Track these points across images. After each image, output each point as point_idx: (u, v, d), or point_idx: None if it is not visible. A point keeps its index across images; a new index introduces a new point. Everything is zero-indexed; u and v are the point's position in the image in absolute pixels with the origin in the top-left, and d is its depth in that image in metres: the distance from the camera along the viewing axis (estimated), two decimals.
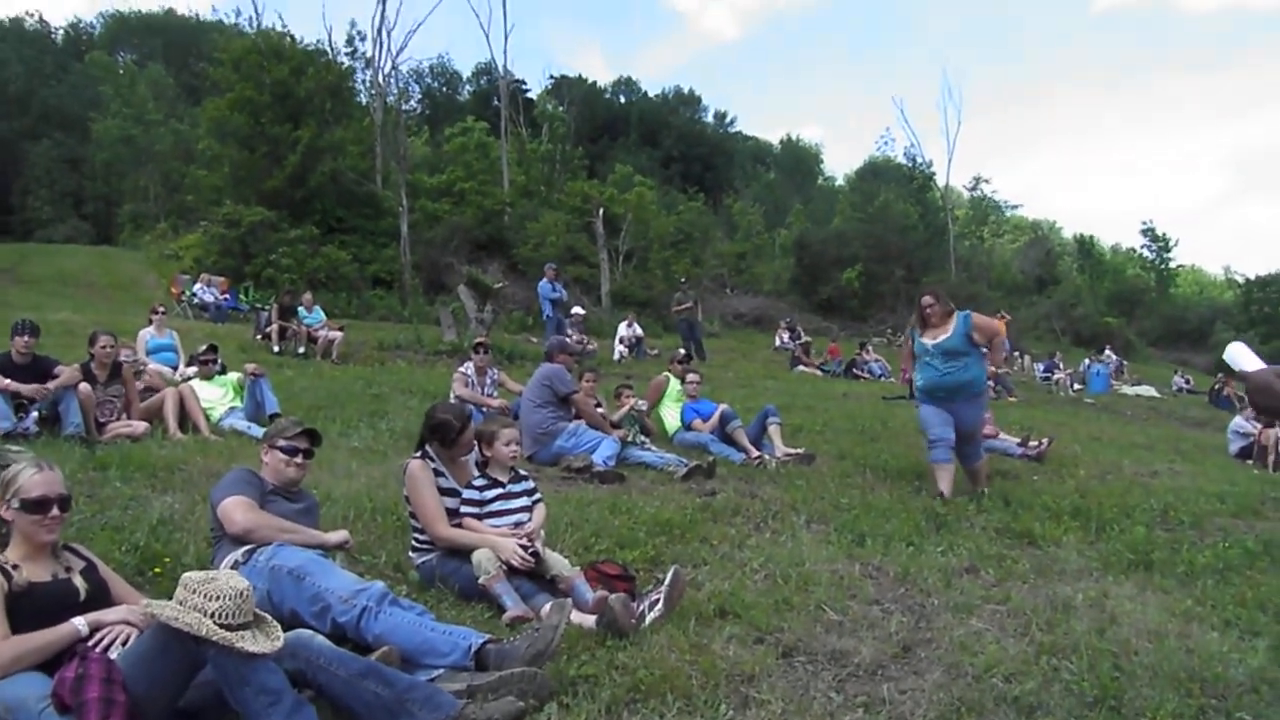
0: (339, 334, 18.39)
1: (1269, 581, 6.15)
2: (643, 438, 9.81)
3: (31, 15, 65.69)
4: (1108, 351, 32.95)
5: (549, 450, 8.79)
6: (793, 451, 9.70)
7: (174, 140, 42.78)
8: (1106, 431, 15.53)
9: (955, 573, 6.01)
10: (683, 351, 12.72)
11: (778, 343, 28.86)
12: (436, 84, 72.59)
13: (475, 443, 5.30)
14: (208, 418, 9.69)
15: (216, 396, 10.07)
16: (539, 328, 24.34)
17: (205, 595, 3.12)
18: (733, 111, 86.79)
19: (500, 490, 5.18)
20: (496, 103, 50.50)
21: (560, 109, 61.16)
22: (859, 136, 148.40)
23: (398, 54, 37.70)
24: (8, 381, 8.34)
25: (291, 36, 36.02)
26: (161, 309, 13.56)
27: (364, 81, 37.60)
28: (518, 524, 5.13)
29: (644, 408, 9.87)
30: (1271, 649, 4.84)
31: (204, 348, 10.93)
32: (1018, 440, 11.62)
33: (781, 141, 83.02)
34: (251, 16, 44.48)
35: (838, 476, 9.08)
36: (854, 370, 23.83)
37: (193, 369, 11.44)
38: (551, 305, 20.14)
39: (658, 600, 4.65)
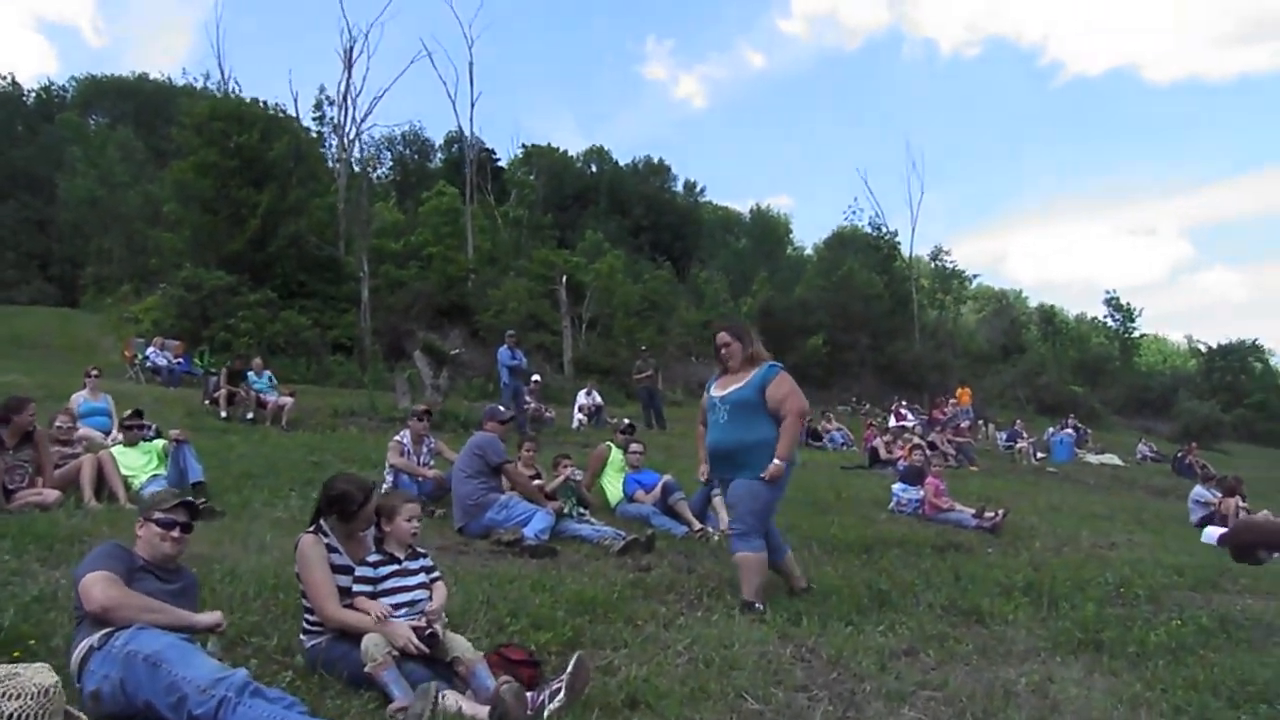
0: (289, 399, 18.01)
1: (1222, 662, 5.86)
2: (581, 510, 9.46)
3: (3, 78, 65.49)
4: (1071, 420, 32.84)
5: (479, 522, 8.39)
6: None
7: (141, 202, 42.40)
8: (1067, 501, 15.28)
9: (893, 655, 5.67)
10: (626, 421, 12.39)
11: None
12: (409, 151, 72.74)
13: (375, 517, 4.93)
14: (129, 486, 9.28)
15: (140, 464, 9.65)
16: (498, 395, 23.96)
17: (3, 694, 2.75)
18: (702, 181, 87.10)
19: (395, 567, 4.80)
20: (467, 170, 50.70)
21: (530, 177, 61.40)
22: (829, 206, 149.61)
23: (363, 120, 37.67)
24: None
25: (259, 101, 35.98)
26: (95, 372, 13.16)
27: (330, 146, 37.37)
28: (414, 603, 4.75)
29: (579, 478, 9.52)
30: None
31: (129, 413, 10.53)
32: (973, 511, 11.33)
33: (751, 211, 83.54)
34: (219, 81, 44.24)
35: None
36: (813, 440, 23.51)
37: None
38: (509, 372, 19.74)
39: (559, 689, 4.28)
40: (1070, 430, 29.93)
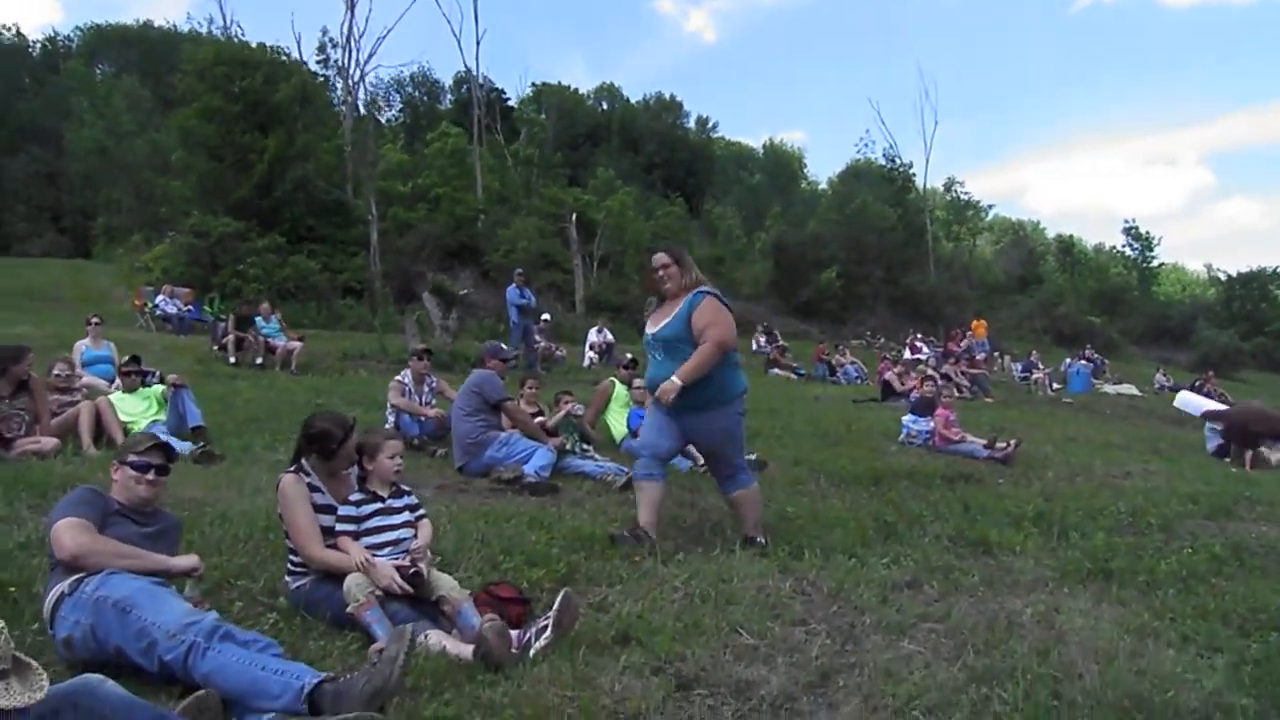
0: (298, 344, 17.94)
1: (1234, 590, 5.72)
2: (584, 445, 9.34)
3: (8, 29, 65.21)
4: (1089, 350, 32.53)
5: (479, 461, 8.29)
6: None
7: (148, 151, 42.18)
8: (1083, 431, 15.09)
9: (895, 587, 5.54)
10: (629, 356, 12.21)
11: (754, 346, 28.40)
12: (418, 93, 72.20)
13: (357, 455, 4.81)
14: (128, 432, 9.18)
15: (139, 410, 9.56)
16: (508, 335, 23.84)
17: None
18: (715, 116, 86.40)
19: (379, 505, 4.69)
20: (476, 111, 50.24)
21: (540, 115, 60.79)
22: (844, 139, 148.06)
23: (367, 61, 37.18)
24: None
25: (263, 45, 35.56)
26: (97, 319, 13.04)
27: (335, 89, 37.05)
28: (398, 541, 4.64)
29: (580, 413, 9.38)
30: (1231, 667, 4.39)
31: (127, 359, 10.44)
32: (985, 442, 11.16)
33: (764, 146, 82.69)
34: (222, 26, 43.75)
35: (789, 484, 8.64)
36: (828, 374, 23.35)
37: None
38: (518, 311, 19.58)
39: (546, 627, 4.17)
40: (1087, 361, 29.64)
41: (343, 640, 4.28)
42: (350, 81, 36.68)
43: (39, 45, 67.44)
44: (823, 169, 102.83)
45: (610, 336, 24.28)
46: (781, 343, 26.80)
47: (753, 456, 9.29)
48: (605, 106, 78.49)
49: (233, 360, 17.14)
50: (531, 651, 4.11)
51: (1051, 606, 5.28)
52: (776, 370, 23.76)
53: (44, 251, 47.77)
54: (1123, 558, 6.40)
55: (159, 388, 9.80)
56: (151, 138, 43.53)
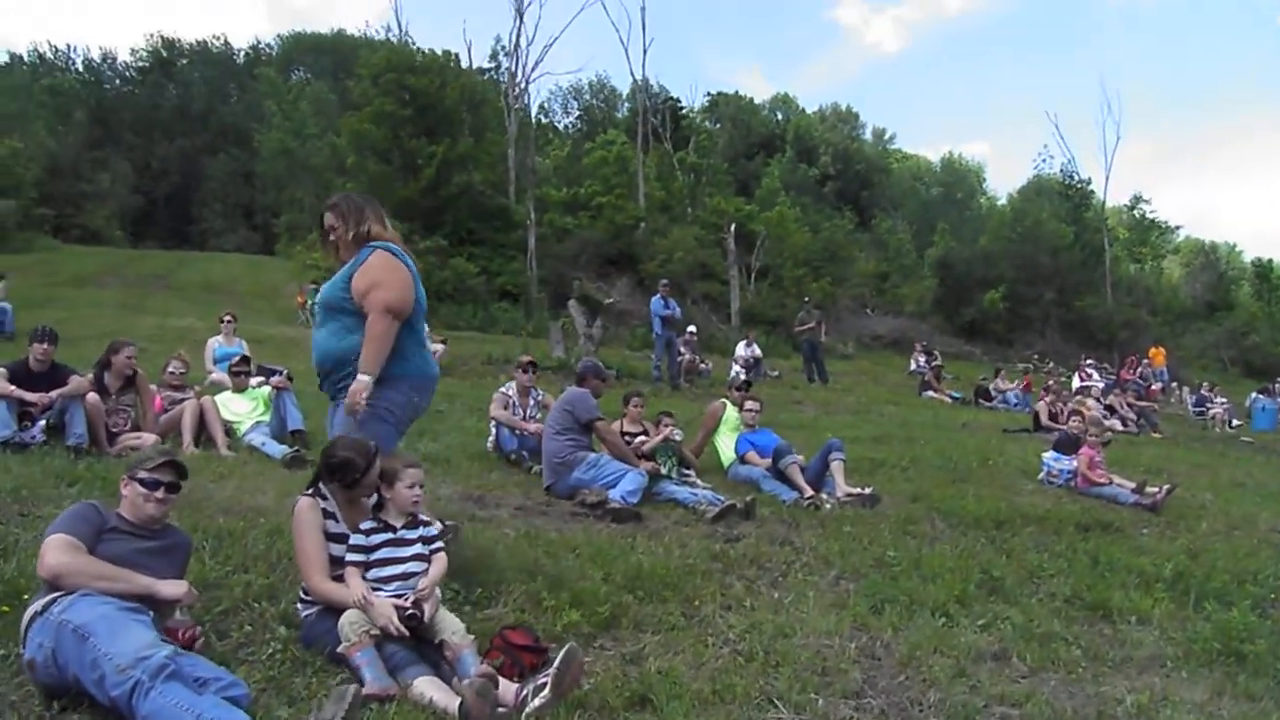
0: (440, 346, 18.05)
1: None
2: (684, 471, 8.89)
3: (216, 39, 69.42)
4: (1279, 385, 30.11)
5: (566, 482, 7.93)
6: (854, 491, 8.59)
7: (329, 153, 43.81)
8: (1255, 476, 13.71)
9: (980, 657, 4.92)
10: (742, 377, 11.68)
11: (912, 366, 27.38)
12: (595, 100, 73.32)
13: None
14: (233, 432, 9.24)
15: (245, 410, 9.60)
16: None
17: None
18: (892, 128, 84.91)
19: (389, 536, 4.36)
20: (654, 119, 50.43)
21: (714, 125, 60.69)
22: (1026, 154, 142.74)
23: (533, 68, 37.61)
24: (11, 388, 7.98)
25: (434, 51, 36.48)
26: (229, 317, 13.30)
27: (505, 96, 37.45)
28: (408, 576, 4.32)
29: (679, 438, 8.91)
30: None
31: (237, 359, 10.51)
32: (1133, 486, 10.18)
33: (942, 159, 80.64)
34: (397, 33, 45.08)
35: (899, 523, 7.96)
36: (982, 399, 22.18)
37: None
38: (661, 323, 19.28)
39: (544, 685, 3.77)
40: (1275, 396, 27.41)
41: (335, 679, 3.99)
42: (517, 88, 37.11)
43: (243, 53, 71.28)
44: (1003, 185, 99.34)
45: (758, 351, 23.77)
46: (939, 363, 25.66)
47: (868, 490, 8.71)
48: (780, 116, 78.05)
49: None
50: (525, 711, 3.72)
51: (1160, 695, 4.58)
52: (931, 393, 22.74)
53: (236, 247, 50.58)
54: (1264, 638, 5.58)
55: (267, 389, 9.82)
56: (332, 140, 45.23)
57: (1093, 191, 46.42)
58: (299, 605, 4.48)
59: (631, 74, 55.41)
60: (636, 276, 33.03)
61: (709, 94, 70.99)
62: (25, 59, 63.93)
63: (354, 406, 4.62)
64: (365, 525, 4.40)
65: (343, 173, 37.59)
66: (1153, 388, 26.65)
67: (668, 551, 6.40)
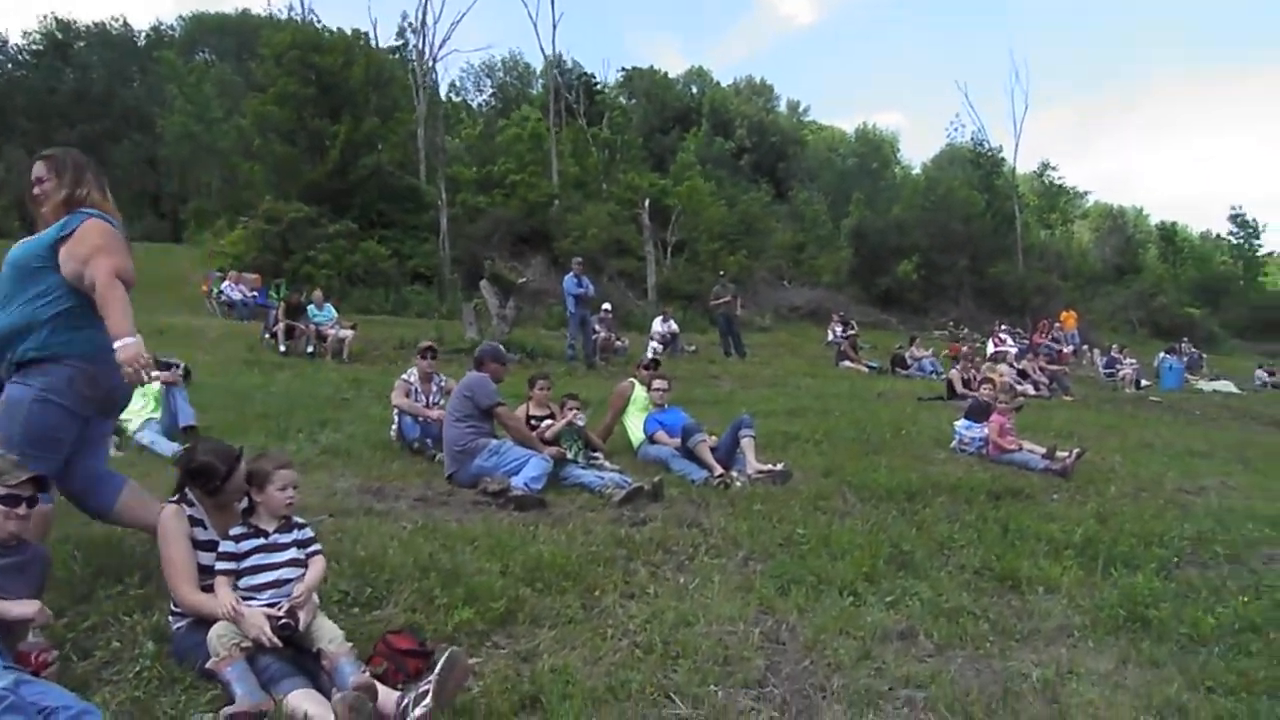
0: (350, 332, 17.69)
1: None
2: (593, 454, 8.68)
3: (115, 20, 66.99)
4: (1186, 344, 30.79)
5: (468, 470, 7.66)
6: (765, 468, 8.45)
7: (236, 137, 42.66)
8: (1163, 437, 13.90)
9: (886, 637, 4.81)
10: (650, 356, 11.49)
11: (829, 336, 27.44)
12: (509, 78, 72.42)
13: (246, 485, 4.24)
14: (121, 431, 8.81)
15: (136, 407, 9.11)
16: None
17: None
18: (807, 100, 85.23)
19: (261, 541, 4.10)
20: (569, 95, 49.87)
21: (628, 101, 60.31)
22: (940, 124, 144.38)
23: (440, 45, 36.91)
24: None
25: (340, 30, 35.68)
26: None
27: (412, 74, 36.69)
28: (281, 583, 4.05)
29: (582, 422, 8.68)
30: None
31: None
32: (1044, 451, 10.21)
33: (856, 130, 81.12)
34: (300, 12, 43.94)
35: (811, 499, 7.84)
36: (899, 367, 22.30)
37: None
38: (575, 301, 19.00)
39: (426, 692, 3.54)
40: (1181, 356, 28.00)
41: (206, 696, 3.73)
42: (425, 66, 36.39)
43: (144, 35, 69.03)
44: (917, 155, 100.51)
45: (675, 327, 23.63)
46: (853, 333, 25.75)
47: (779, 466, 8.58)
48: (695, 90, 77.88)
49: (283, 349, 16.89)
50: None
51: (1066, 668, 4.51)
52: (848, 363, 22.82)
53: (144, 235, 48.88)
54: (1168, 602, 5.55)
55: (156, 386, 9.37)
56: (238, 123, 44.07)
57: (1003, 159, 47.06)
58: (170, 618, 4.19)
59: (542, 50, 54.87)
60: (551, 255, 32.62)
61: (623, 69, 70.59)
62: None
63: (135, 375, 4.17)
64: (235, 531, 4.13)
65: (250, 156, 36.65)
66: (1064, 351, 27.03)
67: (571, 539, 6.19)
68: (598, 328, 20.45)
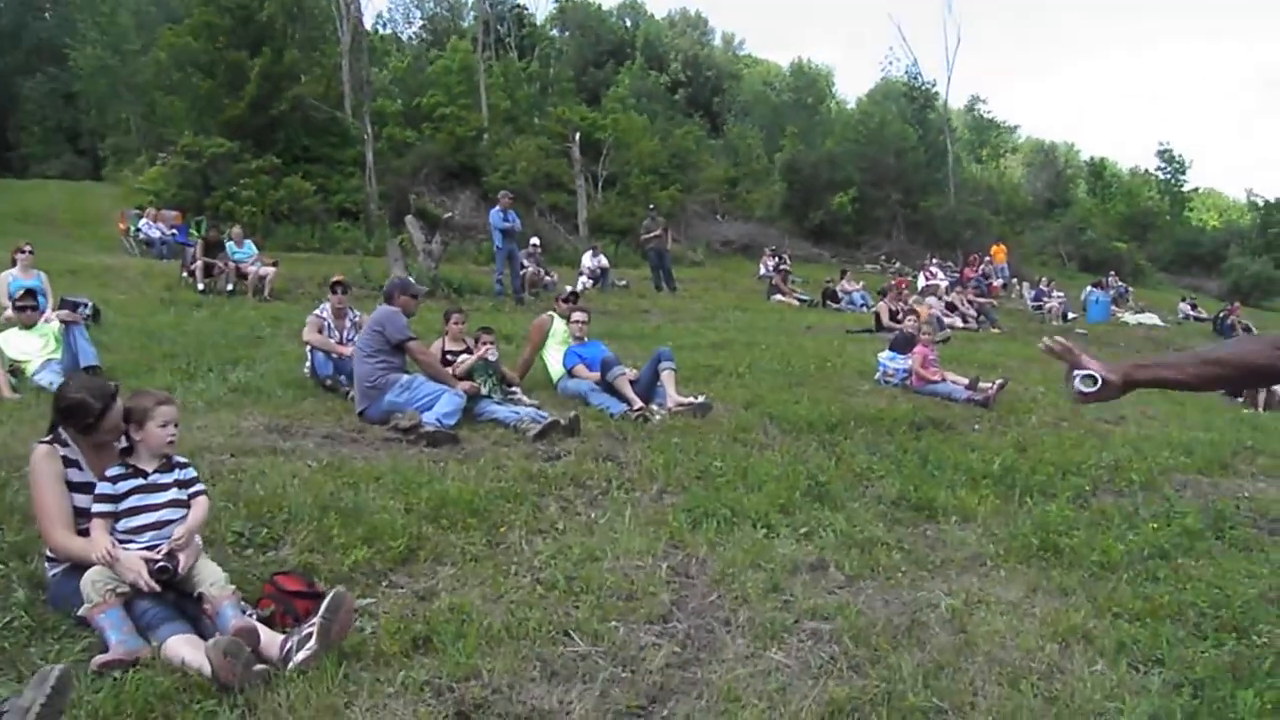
0: (270, 269, 17.22)
1: (1201, 575, 4.86)
2: (510, 389, 8.49)
3: None
4: (1113, 277, 31.18)
5: (379, 406, 7.43)
6: (686, 401, 8.34)
7: (155, 70, 41.21)
8: None
9: (796, 569, 4.73)
10: (569, 288, 11.28)
11: (762, 270, 27.36)
12: (440, 9, 70.64)
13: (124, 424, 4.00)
14: (21, 372, 8.47)
15: (35, 347, 8.78)
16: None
17: None
18: (741, 34, 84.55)
19: (139, 482, 3.88)
20: (500, 28, 48.74)
21: (561, 34, 59.18)
22: (873, 58, 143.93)
23: None
24: None
25: None
26: (28, 248, 12.17)
27: (334, 4, 35.52)
28: (162, 524, 3.84)
29: (494, 356, 8.46)
30: (1167, 690, 3.55)
31: (21, 292, 9.62)
32: (967, 382, 10.23)
33: (791, 65, 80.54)
34: None
35: (732, 432, 7.75)
36: (830, 301, 22.32)
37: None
38: (502, 235, 18.65)
39: (310, 635, 3.38)
40: (1107, 289, 28.38)
41: (80, 644, 3.54)
42: None
43: None
44: (852, 90, 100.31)
45: (605, 261, 23.37)
46: (786, 267, 25.69)
47: (700, 399, 8.47)
48: (629, 23, 76.80)
49: (201, 288, 16.42)
50: (290, 664, 3.34)
51: (975, 598, 4.46)
52: (779, 297, 22.78)
53: (62, 173, 47.30)
54: (1082, 530, 5.54)
55: (55, 324, 8.99)
56: (156, 56, 42.53)
57: (936, 94, 46.96)
58: (46, 563, 3.97)
59: None
60: (480, 189, 31.98)
61: (556, 2, 69.28)
62: None
63: None
64: (112, 472, 3.89)
65: (169, 90, 35.45)
66: (994, 284, 27.30)
67: (481, 475, 6.02)
68: (525, 262, 20.13)
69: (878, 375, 10.82)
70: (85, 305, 11.85)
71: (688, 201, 36.73)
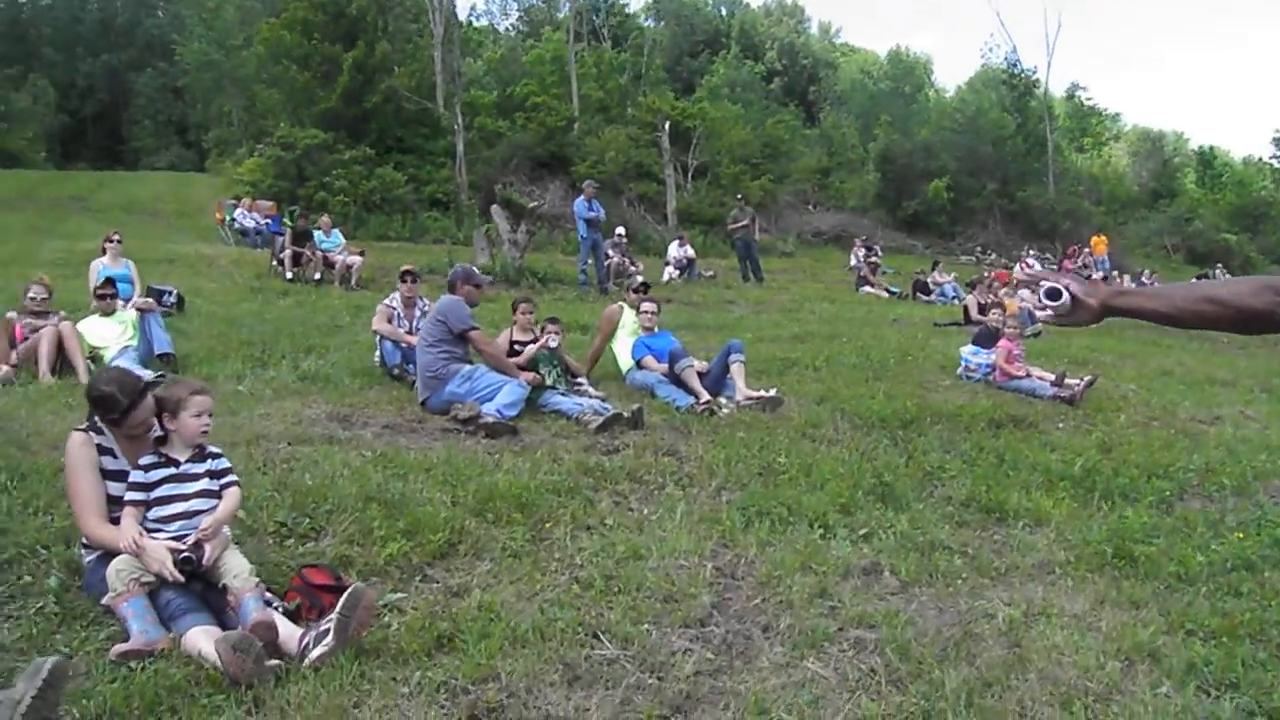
0: (358, 258, 17.39)
1: None
2: (577, 381, 8.37)
3: None
4: (1219, 270, 30.01)
5: (440, 396, 7.37)
6: (755, 395, 8.13)
7: (256, 64, 42.24)
8: (1185, 364, 13.42)
9: (848, 574, 4.52)
10: (640, 279, 11.09)
11: (852, 261, 26.88)
12: (536, 1, 71.23)
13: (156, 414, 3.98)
14: (99, 359, 8.62)
15: (114, 334, 8.93)
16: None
17: None
18: (838, 22, 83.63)
19: (171, 471, 3.85)
20: (596, 18, 48.91)
21: (656, 24, 59.09)
22: (974, 46, 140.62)
23: None
24: None
25: None
26: (117, 237, 12.44)
27: None
28: (192, 514, 3.81)
29: (555, 345, 8.33)
30: (1241, 716, 3.28)
31: (101, 281, 9.81)
32: (1053, 378, 9.81)
33: (889, 53, 79.30)
34: None
35: (801, 427, 7.52)
36: (921, 293, 21.80)
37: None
38: (587, 225, 18.62)
39: (327, 631, 3.31)
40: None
41: (107, 631, 3.54)
42: None
43: None
44: (953, 78, 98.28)
45: (691, 251, 23.17)
46: (876, 259, 25.19)
47: (771, 392, 8.26)
48: (725, 12, 76.45)
49: (289, 276, 16.67)
50: (306, 660, 3.27)
51: (1036, 609, 4.20)
52: (868, 289, 22.34)
53: (170, 165, 48.91)
54: (1162, 538, 5.22)
55: (133, 312, 9.15)
56: (257, 50, 43.55)
57: (1037, 81, 45.64)
58: (81, 550, 3.97)
59: None
60: (569, 179, 32.06)
61: None
62: None
63: None
64: (145, 460, 3.88)
65: (270, 83, 36.26)
66: (1093, 276, 26.42)
67: (535, 468, 5.91)
68: (610, 252, 20.08)
69: (960, 370, 10.46)
70: (170, 293, 12.09)
71: (779, 192, 36.32)
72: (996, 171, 38.03)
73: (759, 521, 5.15)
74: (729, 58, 61.69)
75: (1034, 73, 45.63)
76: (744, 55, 65.16)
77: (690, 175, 34.79)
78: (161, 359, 8.68)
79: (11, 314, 8.70)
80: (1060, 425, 8.52)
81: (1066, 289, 2.45)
